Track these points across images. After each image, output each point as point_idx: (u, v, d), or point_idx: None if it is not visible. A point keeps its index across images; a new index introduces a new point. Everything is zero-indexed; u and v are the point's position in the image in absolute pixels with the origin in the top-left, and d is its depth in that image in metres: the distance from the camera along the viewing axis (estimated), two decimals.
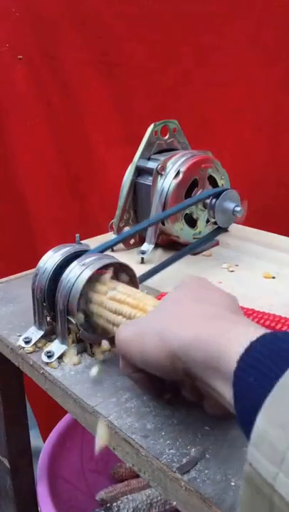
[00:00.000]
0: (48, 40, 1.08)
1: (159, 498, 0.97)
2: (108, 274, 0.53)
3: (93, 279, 0.52)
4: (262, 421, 0.28)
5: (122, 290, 0.51)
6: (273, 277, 0.72)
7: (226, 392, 0.33)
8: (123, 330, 0.43)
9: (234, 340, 0.34)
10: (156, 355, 0.39)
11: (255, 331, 0.34)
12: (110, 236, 0.83)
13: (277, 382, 0.28)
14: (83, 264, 0.53)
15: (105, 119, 1.15)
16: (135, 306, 0.48)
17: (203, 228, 0.80)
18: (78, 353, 0.54)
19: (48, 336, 0.57)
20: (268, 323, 0.55)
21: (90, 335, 0.53)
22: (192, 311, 0.40)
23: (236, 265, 0.76)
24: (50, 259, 0.55)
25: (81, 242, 0.66)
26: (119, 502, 0.97)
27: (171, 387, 0.45)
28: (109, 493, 1.03)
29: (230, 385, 0.33)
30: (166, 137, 0.83)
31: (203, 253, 0.81)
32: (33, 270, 0.57)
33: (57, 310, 0.53)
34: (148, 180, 0.80)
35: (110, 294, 0.50)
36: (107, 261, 0.54)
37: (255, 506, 0.28)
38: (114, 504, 0.97)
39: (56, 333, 0.55)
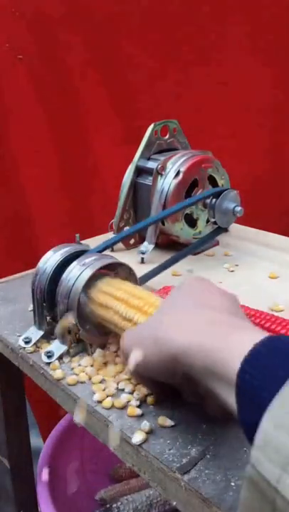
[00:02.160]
0: (48, 40, 1.08)
1: (159, 498, 0.97)
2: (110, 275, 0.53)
3: (94, 279, 0.52)
4: (267, 424, 0.28)
5: (126, 289, 0.50)
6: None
7: (228, 395, 0.33)
8: (125, 336, 0.43)
9: (237, 344, 0.34)
10: (154, 360, 0.39)
11: (258, 334, 0.34)
12: (110, 236, 0.83)
13: (284, 385, 0.28)
14: (83, 264, 0.53)
15: (105, 119, 1.15)
16: (140, 307, 0.48)
17: (203, 228, 0.80)
18: (78, 353, 0.54)
19: (48, 336, 0.57)
20: (268, 324, 0.55)
21: (90, 335, 0.53)
22: (191, 316, 0.40)
23: (236, 265, 0.76)
24: (50, 259, 0.55)
25: (81, 242, 0.66)
26: (119, 503, 0.97)
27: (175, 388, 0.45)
28: (109, 493, 1.03)
29: (232, 388, 0.32)
30: (166, 137, 0.83)
31: (206, 252, 0.80)
32: (33, 270, 0.57)
33: (57, 310, 0.53)
34: (148, 180, 0.80)
35: (116, 294, 0.50)
36: (107, 261, 0.54)
37: (257, 508, 0.28)
38: (114, 505, 0.97)
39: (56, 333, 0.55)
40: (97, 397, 0.47)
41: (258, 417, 0.28)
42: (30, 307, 0.58)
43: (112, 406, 0.46)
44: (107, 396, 0.47)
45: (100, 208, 1.16)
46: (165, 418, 0.44)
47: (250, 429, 0.29)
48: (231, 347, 0.34)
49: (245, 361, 0.32)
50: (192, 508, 0.38)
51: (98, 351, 0.53)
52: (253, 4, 1.12)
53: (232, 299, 0.43)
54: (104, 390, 0.48)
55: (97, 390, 0.48)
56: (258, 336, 0.33)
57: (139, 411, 0.45)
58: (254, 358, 0.32)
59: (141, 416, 0.45)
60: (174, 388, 0.44)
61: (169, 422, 0.44)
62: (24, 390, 0.75)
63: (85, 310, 0.53)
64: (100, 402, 0.47)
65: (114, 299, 0.50)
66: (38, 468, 0.93)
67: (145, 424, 0.43)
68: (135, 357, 0.41)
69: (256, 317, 0.56)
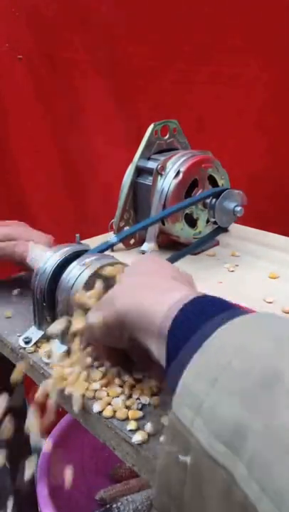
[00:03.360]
0: (48, 40, 1.08)
1: None
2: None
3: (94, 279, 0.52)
4: (187, 375, 0.31)
5: None
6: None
7: (160, 351, 0.36)
8: (92, 308, 0.47)
9: (168, 303, 0.37)
10: (107, 321, 0.42)
11: (190, 295, 0.37)
12: (110, 236, 0.83)
13: (207, 340, 0.31)
14: (83, 264, 0.53)
15: (105, 119, 1.15)
16: None
17: (203, 228, 0.80)
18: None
19: (48, 336, 0.57)
20: None
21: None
22: (139, 280, 0.44)
23: (236, 265, 0.76)
24: (50, 260, 0.55)
25: (81, 242, 0.66)
26: (119, 503, 0.97)
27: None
28: (109, 493, 1.03)
29: (164, 343, 0.36)
30: (166, 137, 0.83)
31: (207, 252, 0.80)
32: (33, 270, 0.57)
33: (57, 310, 0.53)
34: (148, 180, 0.80)
35: None
36: (106, 261, 0.54)
37: (174, 450, 0.30)
38: (114, 506, 0.97)
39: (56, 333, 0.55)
40: (98, 408, 0.46)
41: (183, 370, 0.31)
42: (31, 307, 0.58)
43: (114, 415, 0.45)
44: (108, 404, 0.46)
45: (100, 208, 1.16)
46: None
47: (176, 383, 0.31)
48: (165, 306, 0.37)
49: (175, 317, 0.36)
50: None
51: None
52: (253, 4, 1.12)
53: (185, 275, 0.46)
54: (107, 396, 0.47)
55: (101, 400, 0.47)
56: (191, 295, 0.37)
57: (140, 413, 0.45)
58: (182, 315, 0.36)
59: (142, 418, 0.45)
60: (125, 355, 0.47)
61: None
62: (24, 390, 0.75)
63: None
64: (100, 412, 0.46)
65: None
66: (38, 468, 0.93)
67: (147, 425, 0.43)
68: (93, 317, 0.44)
69: None
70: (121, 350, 0.46)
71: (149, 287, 0.42)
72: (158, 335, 0.37)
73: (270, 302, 0.64)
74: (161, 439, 0.31)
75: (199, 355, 0.31)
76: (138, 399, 0.46)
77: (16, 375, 0.52)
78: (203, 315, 0.34)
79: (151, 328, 0.38)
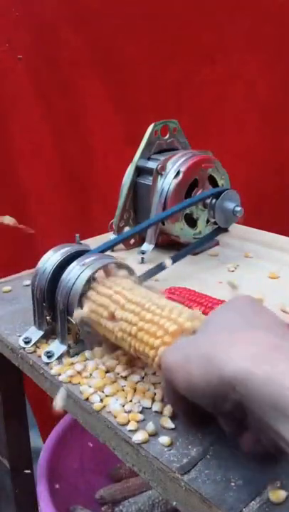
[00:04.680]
0: (48, 40, 1.08)
1: (160, 498, 0.97)
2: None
3: (94, 279, 0.52)
4: None
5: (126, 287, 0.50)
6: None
7: None
8: (169, 354, 0.39)
9: None
10: (204, 382, 0.34)
11: None
12: (110, 236, 0.83)
13: None
14: (83, 264, 0.53)
15: (105, 119, 1.15)
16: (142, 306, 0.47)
17: (203, 228, 0.80)
18: (78, 353, 0.54)
19: (48, 336, 0.57)
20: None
21: (90, 335, 0.53)
22: (247, 336, 0.35)
23: (236, 265, 0.76)
24: (50, 259, 0.55)
25: (81, 242, 0.66)
26: (121, 506, 0.97)
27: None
28: (108, 491, 1.03)
29: None
30: (166, 137, 0.83)
31: (209, 252, 0.80)
32: (33, 270, 0.57)
33: (57, 310, 0.53)
34: (148, 180, 0.80)
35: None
36: (107, 261, 0.54)
37: None
38: (117, 509, 0.97)
39: (56, 333, 0.55)
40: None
41: None
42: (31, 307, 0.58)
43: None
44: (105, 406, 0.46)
45: (100, 208, 1.16)
46: (167, 419, 0.44)
47: None
48: None
49: None
50: (192, 508, 0.38)
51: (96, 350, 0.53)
52: (254, 4, 1.12)
53: (281, 322, 0.38)
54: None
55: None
56: None
57: (141, 416, 0.45)
58: None
59: (142, 420, 0.45)
60: (206, 414, 0.38)
61: (170, 425, 0.43)
62: (24, 390, 0.75)
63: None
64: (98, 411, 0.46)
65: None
66: (38, 468, 0.93)
67: (150, 426, 0.43)
68: (183, 379, 0.36)
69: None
70: (201, 409, 0.37)
71: (267, 346, 0.33)
72: None
73: (270, 302, 0.64)
74: None
75: None
76: (138, 402, 0.46)
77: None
78: None
79: (286, 406, 0.29)
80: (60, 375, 0.51)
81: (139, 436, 0.42)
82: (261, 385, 0.30)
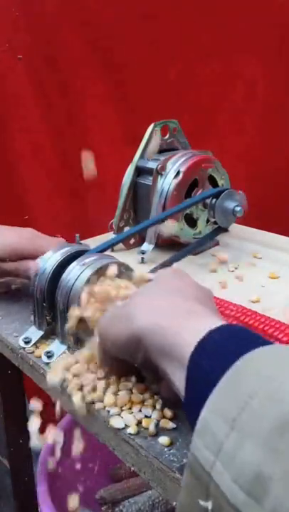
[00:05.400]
0: (48, 40, 1.08)
1: (160, 498, 0.97)
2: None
3: (94, 279, 0.52)
4: (206, 411, 0.29)
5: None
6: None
7: (179, 378, 0.34)
8: (102, 319, 0.45)
9: (193, 329, 0.35)
10: (120, 336, 0.41)
11: (215, 322, 0.35)
12: (110, 236, 0.83)
13: (225, 374, 0.29)
14: (83, 264, 0.53)
15: (105, 119, 1.15)
16: None
17: (203, 228, 0.80)
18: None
19: (48, 336, 0.57)
20: (266, 328, 0.55)
21: (90, 335, 0.53)
22: (159, 299, 0.41)
23: (237, 265, 0.76)
24: (50, 260, 0.55)
25: (81, 242, 0.66)
26: (121, 506, 0.97)
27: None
28: (108, 491, 1.03)
29: (183, 371, 0.34)
30: (166, 137, 0.83)
31: (211, 252, 0.80)
32: (33, 270, 0.57)
33: (57, 310, 0.53)
34: (148, 180, 0.80)
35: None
36: (106, 261, 0.54)
37: (194, 493, 0.29)
38: (117, 509, 0.97)
39: (56, 333, 0.55)
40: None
41: (202, 403, 0.29)
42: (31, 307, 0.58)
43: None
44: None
45: (100, 208, 1.16)
46: (167, 421, 0.44)
47: (193, 415, 0.30)
48: (188, 331, 0.35)
49: (198, 345, 0.33)
50: None
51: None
52: (254, 4, 1.12)
53: (206, 292, 0.44)
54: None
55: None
56: (216, 323, 0.35)
57: (141, 414, 0.45)
58: (207, 343, 0.33)
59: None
60: (133, 367, 0.45)
61: (170, 425, 0.43)
62: (24, 390, 0.75)
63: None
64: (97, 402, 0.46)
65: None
66: (38, 468, 0.93)
67: (152, 426, 0.43)
68: (105, 329, 0.43)
69: (255, 320, 0.56)
70: (130, 364, 0.44)
71: (171, 309, 0.39)
72: (178, 362, 0.35)
73: (270, 302, 0.64)
74: (182, 479, 0.30)
75: (218, 390, 0.29)
76: (140, 411, 0.46)
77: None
78: (229, 346, 0.32)
79: (171, 354, 0.36)
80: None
81: (130, 430, 0.43)
82: (154, 336, 0.37)
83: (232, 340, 0.33)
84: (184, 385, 0.34)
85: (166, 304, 0.40)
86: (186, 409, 0.33)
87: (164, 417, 0.44)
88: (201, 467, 0.28)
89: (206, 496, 0.28)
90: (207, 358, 0.32)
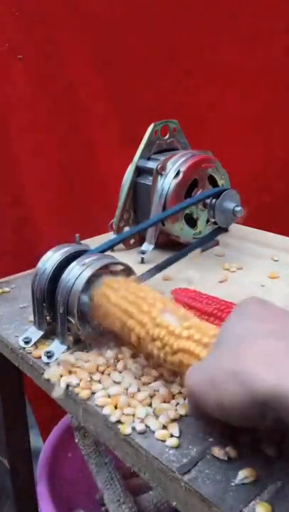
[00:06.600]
0: (48, 40, 1.08)
1: (160, 498, 0.97)
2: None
3: (94, 279, 0.52)
4: None
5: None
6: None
7: None
8: (192, 376, 0.37)
9: None
10: (238, 404, 0.32)
11: None
12: (110, 236, 0.83)
13: None
14: (83, 264, 0.53)
15: (105, 119, 1.15)
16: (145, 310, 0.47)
17: (203, 228, 0.80)
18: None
19: (48, 336, 0.57)
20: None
21: (90, 335, 0.53)
22: (272, 348, 0.33)
23: (236, 265, 0.76)
24: (50, 260, 0.55)
25: (81, 242, 0.66)
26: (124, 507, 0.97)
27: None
28: None
29: None
30: (166, 137, 0.83)
31: (210, 252, 0.80)
32: (33, 270, 0.57)
33: (57, 310, 0.53)
34: (148, 180, 0.80)
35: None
36: (107, 261, 0.54)
37: None
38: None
39: (56, 333, 0.55)
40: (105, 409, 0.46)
41: None
42: (30, 307, 0.58)
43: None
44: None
45: (100, 208, 1.16)
46: (173, 424, 0.43)
47: None
48: None
49: None
50: (192, 508, 0.38)
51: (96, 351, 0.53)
52: (254, 5, 1.12)
53: None
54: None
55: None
56: None
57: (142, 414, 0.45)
58: None
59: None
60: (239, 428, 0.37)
61: (175, 430, 0.43)
62: (24, 390, 0.75)
63: (85, 310, 0.53)
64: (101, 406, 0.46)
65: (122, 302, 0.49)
66: (38, 468, 0.93)
67: (149, 426, 0.43)
68: (213, 402, 0.34)
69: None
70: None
71: None
72: None
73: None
74: None
75: None
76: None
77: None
78: None
79: None
80: None
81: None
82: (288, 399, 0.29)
83: None
84: None
85: (285, 352, 0.32)
86: None
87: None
88: None
89: None
90: None
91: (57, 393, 0.48)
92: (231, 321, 0.38)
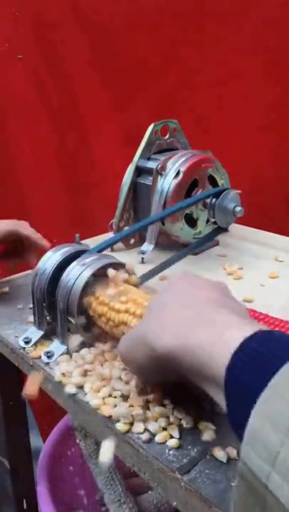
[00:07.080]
0: (48, 40, 1.08)
1: (161, 498, 0.97)
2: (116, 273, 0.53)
3: (94, 279, 0.52)
4: (255, 419, 0.27)
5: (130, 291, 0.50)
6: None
7: (218, 392, 0.33)
8: (121, 343, 0.43)
9: (226, 341, 0.33)
10: (145, 363, 0.39)
11: (248, 328, 0.33)
12: (110, 236, 0.83)
13: (271, 380, 0.28)
14: (83, 264, 0.53)
15: (105, 119, 1.15)
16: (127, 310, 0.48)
17: (203, 228, 0.80)
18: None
19: (48, 336, 0.57)
20: (271, 327, 0.55)
21: (90, 335, 0.53)
22: (178, 314, 0.38)
23: (236, 265, 0.76)
24: (49, 260, 0.55)
25: (81, 242, 0.66)
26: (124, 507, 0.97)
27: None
28: None
29: (221, 386, 0.32)
30: (166, 137, 0.83)
31: (216, 253, 0.80)
32: (33, 270, 0.57)
33: (57, 310, 0.53)
34: (148, 180, 0.80)
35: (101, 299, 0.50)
36: (106, 261, 0.54)
37: (249, 505, 0.28)
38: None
39: (56, 333, 0.55)
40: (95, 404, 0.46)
41: (247, 413, 0.28)
42: (30, 307, 0.58)
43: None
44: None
45: (100, 208, 1.16)
46: (174, 427, 0.43)
47: (238, 425, 0.29)
48: (219, 346, 0.33)
49: (235, 355, 0.31)
50: (192, 508, 0.38)
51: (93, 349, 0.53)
52: (255, 4, 1.12)
53: (220, 288, 0.42)
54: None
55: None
56: (249, 329, 0.33)
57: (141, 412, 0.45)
58: (244, 353, 0.31)
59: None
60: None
61: (176, 433, 0.43)
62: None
63: (85, 310, 0.53)
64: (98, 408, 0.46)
65: (101, 304, 0.50)
66: (38, 468, 0.93)
67: (149, 426, 0.43)
68: (131, 364, 0.41)
69: (256, 319, 0.56)
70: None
71: (194, 322, 0.36)
72: (215, 382, 0.33)
73: (269, 302, 0.64)
74: (234, 491, 0.29)
75: (266, 399, 0.27)
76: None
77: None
78: (270, 353, 0.30)
79: (207, 374, 0.33)
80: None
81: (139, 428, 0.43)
82: (183, 357, 0.35)
83: (270, 345, 0.31)
84: (224, 397, 0.32)
85: (188, 317, 0.37)
86: (231, 421, 0.31)
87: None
88: (256, 478, 0.26)
89: (263, 508, 0.27)
90: (246, 373, 0.30)
91: (57, 393, 0.48)
92: (158, 295, 0.44)
